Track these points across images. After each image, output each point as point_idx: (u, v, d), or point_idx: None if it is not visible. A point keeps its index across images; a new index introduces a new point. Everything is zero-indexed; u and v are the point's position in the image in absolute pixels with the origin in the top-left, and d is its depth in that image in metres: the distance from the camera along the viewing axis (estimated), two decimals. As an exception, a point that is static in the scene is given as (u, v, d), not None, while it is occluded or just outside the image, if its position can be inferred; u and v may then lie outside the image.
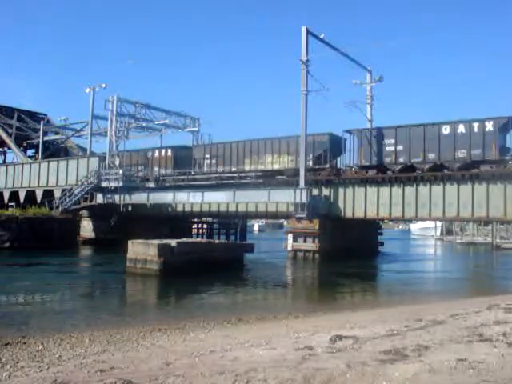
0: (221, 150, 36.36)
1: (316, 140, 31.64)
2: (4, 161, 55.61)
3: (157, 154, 40.14)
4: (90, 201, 38.39)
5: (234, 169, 35.10)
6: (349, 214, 30.17)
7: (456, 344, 7.10)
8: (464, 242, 52.17)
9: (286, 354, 6.76)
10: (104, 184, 37.27)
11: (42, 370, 6.42)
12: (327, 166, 31.10)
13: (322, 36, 31.27)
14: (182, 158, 38.48)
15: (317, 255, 28.47)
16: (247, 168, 34.28)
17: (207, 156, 36.87)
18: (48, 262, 25.04)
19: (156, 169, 39.55)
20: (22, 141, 51.90)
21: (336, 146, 31.81)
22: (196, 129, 43.96)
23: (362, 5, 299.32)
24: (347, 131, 30.82)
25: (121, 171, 37.15)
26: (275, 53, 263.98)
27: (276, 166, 33.36)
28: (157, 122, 42.81)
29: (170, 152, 39.41)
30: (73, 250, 32.00)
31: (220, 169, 35.89)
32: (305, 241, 29.12)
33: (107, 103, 39.53)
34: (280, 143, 33.42)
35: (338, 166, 32.24)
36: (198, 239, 34.80)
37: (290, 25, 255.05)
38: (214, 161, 36.51)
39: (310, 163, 31.29)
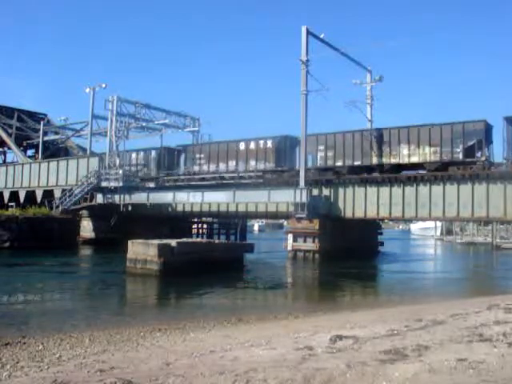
0: (339, 140, 30.90)
1: (467, 128, 27.22)
2: (4, 161, 55.61)
3: (252, 145, 34.51)
4: (90, 201, 38.39)
5: (357, 163, 30.26)
6: (349, 214, 30.17)
7: (456, 344, 7.10)
8: (464, 242, 52.18)
9: (285, 353, 6.76)
10: (104, 184, 37.27)
11: (41, 370, 6.42)
12: (482, 158, 26.85)
13: (322, 36, 31.33)
14: (287, 150, 33.63)
15: (317, 255, 28.47)
16: (375, 162, 29.64)
17: (321, 148, 31.44)
18: (48, 262, 25.04)
19: (252, 163, 34.27)
20: (22, 141, 51.88)
21: (489, 135, 27.78)
22: (196, 129, 43.99)
23: (362, 5, 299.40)
24: (508, 118, 26.31)
25: (121, 171, 37.15)
26: (275, 53, 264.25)
27: (414, 159, 28.59)
28: (157, 122, 42.82)
29: (270, 143, 33.79)
30: (73, 250, 32.00)
31: (339, 163, 30.83)
32: (305, 241, 29.13)
33: (107, 103, 39.57)
34: (419, 132, 28.47)
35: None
36: (198, 239, 34.81)
37: (290, 25, 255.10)
38: (330, 153, 31.07)
39: (460, 156, 27.23)
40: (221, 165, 35.71)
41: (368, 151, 29.86)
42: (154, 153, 40.11)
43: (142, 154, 41.17)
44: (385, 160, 29.38)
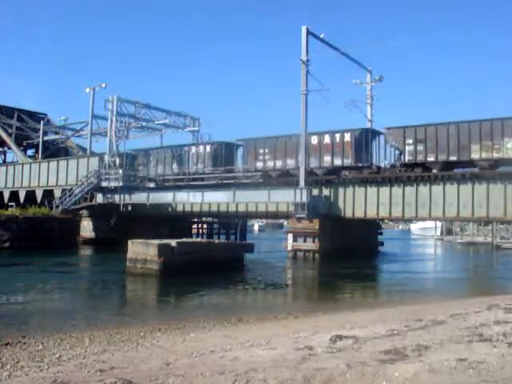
0: (431, 133, 27.71)
1: None
2: (4, 161, 55.57)
3: (327, 139, 31.25)
4: (90, 201, 38.39)
5: (453, 158, 27.17)
6: (349, 214, 30.16)
7: (456, 344, 7.10)
8: (464, 242, 52.17)
9: (285, 353, 6.76)
10: (104, 184, 37.28)
11: (41, 370, 6.41)
12: None
13: (322, 36, 31.30)
14: (368, 144, 30.70)
15: (317, 255, 28.48)
16: (475, 156, 26.52)
17: (409, 141, 28.35)
18: (48, 262, 25.00)
19: (327, 158, 31.18)
20: (22, 141, 51.87)
21: None
22: (196, 129, 43.94)
23: (362, 5, 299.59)
24: None
25: (121, 171, 37.13)
26: (275, 53, 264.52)
27: None
28: (157, 122, 42.79)
29: (348, 136, 30.56)
30: (73, 250, 31.98)
31: (431, 158, 27.74)
32: (305, 241, 29.12)
33: (107, 103, 39.52)
34: None
35: None
36: (198, 239, 34.81)
37: (290, 25, 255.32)
38: (420, 147, 27.99)
39: None
40: (288, 160, 32.56)
41: (465, 145, 26.70)
42: (209, 148, 37.05)
43: (193, 149, 38.01)
44: (485, 155, 26.30)
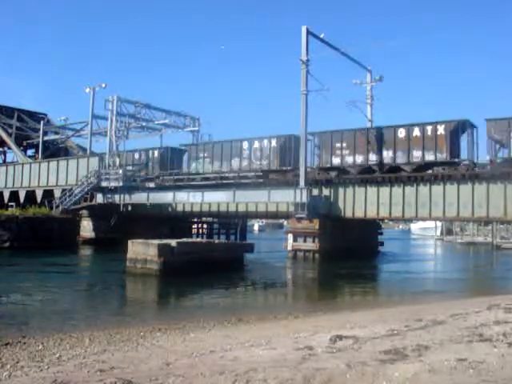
0: None
1: None
2: (4, 161, 55.58)
3: (417, 131, 28.36)
4: (90, 201, 38.39)
5: None
6: (349, 214, 30.14)
7: (456, 344, 7.10)
8: (464, 242, 52.18)
9: (285, 353, 6.76)
10: (104, 184, 37.27)
11: (41, 370, 6.41)
12: None
13: (322, 36, 31.31)
14: (468, 137, 27.98)
15: (317, 255, 28.48)
16: None
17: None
18: (48, 262, 24.99)
19: (417, 153, 28.30)
20: (22, 141, 51.88)
21: None
22: (196, 128, 43.96)
23: (362, 5, 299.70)
24: None
25: (121, 171, 37.13)
26: (275, 53, 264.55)
27: None
28: (157, 122, 42.81)
29: (441, 129, 27.52)
30: (73, 250, 31.98)
31: None
32: (305, 241, 29.12)
33: (107, 103, 39.55)
34: None
35: None
36: (198, 239, 34.82)
37: (290, 25, 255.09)
38: None
39: None
40: (371, 155, 29.87)
41: None
42: (274, 142, 33.72)
43: (256, 143, 34.40)
44: None
